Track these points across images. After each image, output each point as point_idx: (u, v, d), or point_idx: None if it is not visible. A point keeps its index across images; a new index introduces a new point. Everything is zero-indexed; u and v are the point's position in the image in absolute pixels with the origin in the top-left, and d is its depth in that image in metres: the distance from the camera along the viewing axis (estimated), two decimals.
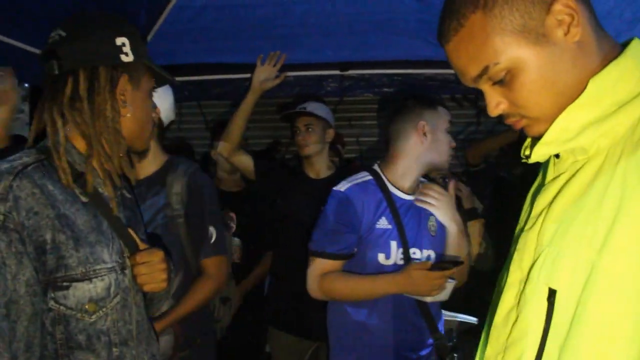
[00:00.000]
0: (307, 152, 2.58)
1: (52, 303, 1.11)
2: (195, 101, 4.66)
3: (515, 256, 0.91)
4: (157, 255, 1.27)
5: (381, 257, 1.89)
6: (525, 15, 0.79)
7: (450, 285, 1.82)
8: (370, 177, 1.97)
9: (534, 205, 0.90)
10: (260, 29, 2.62)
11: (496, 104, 0.86)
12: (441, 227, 1.99)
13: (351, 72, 2.89)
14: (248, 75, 2.76)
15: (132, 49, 1.22)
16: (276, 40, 2.69)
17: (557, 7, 0.78)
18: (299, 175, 2.67)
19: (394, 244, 1.89)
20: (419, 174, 1.99)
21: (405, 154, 1.96)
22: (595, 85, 0.79)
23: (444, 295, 1.83)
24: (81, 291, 1.12)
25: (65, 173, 1.15)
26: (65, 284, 1.11)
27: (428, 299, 1.82)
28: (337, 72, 2.89)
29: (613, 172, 0.76)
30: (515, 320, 0.87)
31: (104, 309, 1.16)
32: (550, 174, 0.89)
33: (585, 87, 0.80)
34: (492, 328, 0.93)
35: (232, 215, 2.84)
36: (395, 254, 1.90)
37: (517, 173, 3.02)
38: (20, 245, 1.06)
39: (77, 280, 1.12)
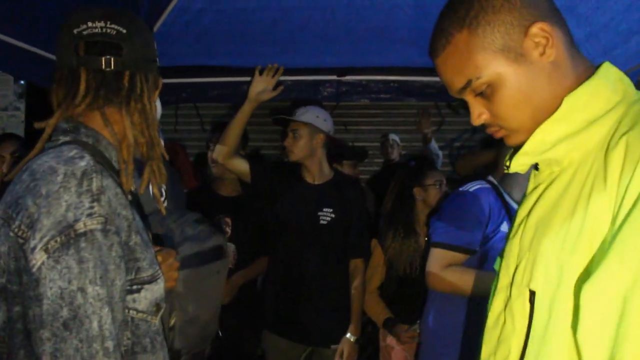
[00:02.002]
0: (293, 157, 2.60)
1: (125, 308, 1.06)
2: (192, 103, 4.66)
3: (503, 263, 1.00)
4: (173, 255, 1.29)
5: None
6: (505, 36, 0.89)
7: None
8: (489, 185, 2.04)
9: (517, 214, 1.00)
10: (258, 34, 2.63)
11: (478, 114, 0.94)
12: None
13: (348, 77, 2.90)
14: (245, 79, 2.77)
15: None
16: (274, 44, 2.70)
17: (534, 30, 0.88)
18: (296, 180, 2.68)
19: None
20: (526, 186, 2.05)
21: None
22: (569, 102, 0.88)
23: None
24: (151, 293, 1.09)
25: (128, 176, 1.10)
26: (135, 287, 1.06)
27: None
28: (334, 77, 2.90)
29: (583, 181, 0.84)
30: (504, 322, 0.95)
31: (162, 310, 1.14)
32: (531, 185, 0.98)
33: (560, 103, 0.89)
34: (485, 330, 1.02)
35: (228, 220, 2.85)
36: None
37: None
38: (119, 249, 1.01)
39: (148, 282, 1.08)
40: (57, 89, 1.13)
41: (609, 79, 0.89)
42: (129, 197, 1.13)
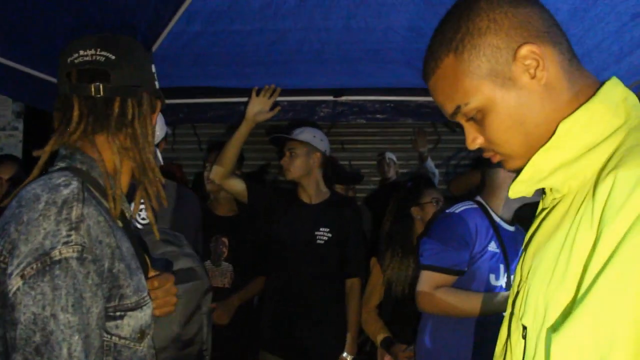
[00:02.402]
0: (290, 176, 2.62)
1: (103, 334, 1.06)
2: (189, 123, 4.69)
3: (512, 289, 0.96)
4: (171, 280, 1.29)
5: (492, 278, 1.99)
6: (492, 60, 0.84)
7: None
8: (476, 206, 2.09)
9: (525, 238, 0.95)
10: (255, 56, 2.66)
11: (472, 139, 0.91)
12: None
13: (344, 98, 2.93)
14: (242, 99, 2.79)
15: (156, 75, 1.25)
16: (271, 66, 2.72)
17: (522, 52, 0.83)
18: (292, 200, 2.69)
19: (502, 267, 2.01)
20: (515, 205, 2.08)
21: (506, 186, 2.04)
22: (565, 128, 0.83)
23: None
24: (135, 320, 1.09)
25: (117, 202, 1.11)
26: (118, 313, 1.07)
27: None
28: (330, 98, 2.92)
29: (575, 215, 0.78)
30: (505, 353, 0.92)
31: (148, 336, 1.14)
32: (539, 208, 0.94)
33: (555, 128, 0.84)
34: (493, 358, 1.00)
35: (224, 240, 2.85)
36: (503, 276, 2.00)
37: None
38: (96, 277, 1.01)
39: (132, 309, 1.08)
40: (56, 116, 1.16)
41: (611, 100, 0.83)
42: (119, 223, 1.13)
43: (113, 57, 1.13)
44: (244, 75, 2.75)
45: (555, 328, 0.74)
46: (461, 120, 0.91)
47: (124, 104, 1.14)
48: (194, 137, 5.22)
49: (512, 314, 0.90)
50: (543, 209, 0.91)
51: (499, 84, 0.85)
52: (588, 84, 0.87)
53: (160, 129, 2.15)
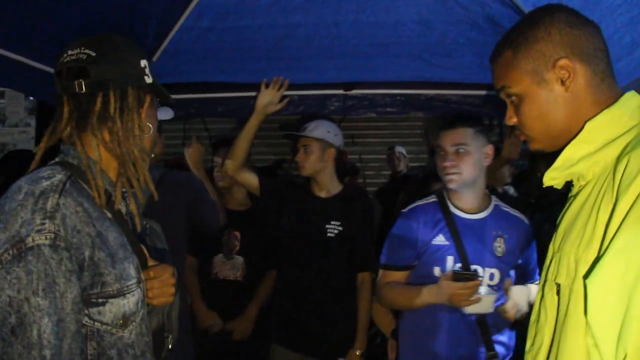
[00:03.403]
0: (305, 172, 2.63)
1: (85, 319, 1.12)
2: (200, 118, 4.71)
3: (545, 263, 1.16)
4: (168, 271, 1.32)
5: (437, 271, 2.01)
6: (536, 63, 1.08)
7: (487, 297, 1.88)
8: (435, 199, 2.13)
9: (556, 224, 1.15)
10: (265, 50, 2.66)
11: (509, 117, 1.16)
12: (512, 251, 2.05)
13: (355, 92, 2.93)
14: (252, 94, 2.80)
15: (150, 70, 1.29)
16: (281, 61, 2.73)
17: (560, 64, 1.06)
18: (304, 193, 2.70)
19: (450, 259, 2.02)
20: (479, 194, 2.08)
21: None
22: (591, 126, 1.05)
23: (482, 308, 1.90)
24: (117, 307, 1.14)
25: (100, 193, 1.17)
26: (100, 300, 1.12)
27: (468, 310, 1.91)
28: (340, 92, 2.93)
29: (599, 191, 0.99)
30: (539, 316, 1.11)
31: (133, 323, 1.19)
32: (570, 197, 1.15)
33: (576, 127, 1.07)
34: (529, 326, 1.17)
35: (237, 234, 2.86)
36: (452, 268, 2.00)
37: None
38: (70, 263, 1.06)
39: (113, 297, 1.13)
40: (55, 114, 1.23)
41: (628, 106, 1.05)
42: (108, 214, 1.19)
43: (94, 54, 1.19)
44: (254, 70, 2.76)
45: (586, 276, 0.93)
46: (504, 97, 1.16)
47: (105, 98, 1.20)
48: (204, 132, 5.24)
49: (545, 280, 1.10)
50: (570, 197, 1.11)
51: (536, 82, 1.08)
52: (611, 96, 1.07)
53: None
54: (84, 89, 1.18)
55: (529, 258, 2.14)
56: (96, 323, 1.12)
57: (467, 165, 2.00)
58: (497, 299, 1.93)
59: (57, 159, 1.21)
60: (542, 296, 1.11)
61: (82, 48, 1.20)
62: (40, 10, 2.04)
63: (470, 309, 1.90)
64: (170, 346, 1.47)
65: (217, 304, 2.86)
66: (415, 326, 2.10)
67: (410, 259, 2.10)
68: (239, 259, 2.84)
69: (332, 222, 2.61)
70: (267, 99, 2.59)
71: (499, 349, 2.02)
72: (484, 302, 1.88)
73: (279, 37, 2.57)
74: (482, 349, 2.00)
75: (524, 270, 2.15)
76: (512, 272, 2.10)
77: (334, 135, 2.64)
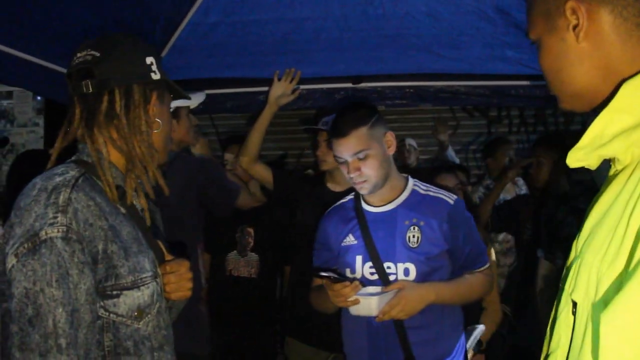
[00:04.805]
0: (326, 167, 2.64)
1: (101, 311, 1.15)
2: (208, 114, 4.71)
3: (566, 266, 0.92)
4: (185, 266, 1.34)
5: (347, 272, 1.94)
6: (548, 3, 0.87)
7: (367, 300, 1.75)
8: (351, 197, 2.06)
9: (585, 213, 0.89)
10: (273, 45, 2.66)
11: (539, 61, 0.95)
12: (431, 238, 1.88)
13: (363, 84, 2.91)
14: (260, 89, 2.80)
15: (157, 67, 1.31)
16: (289, 55, 2.72)
17: (567, 6, 0.83)
18: (317, 187, 2.70)
19: (359, 259, 1.92)
20: (392, 184, 1.95)
21: None
22: (628, 89, 0.77)
23: (364, 310, 1.77)
24: (131, 299, 1.17)
25: (111, 188, 1.20)
26: (115, 292, 1.15)
27: (352, 312, 1.80)
28: (349, 85, 2.91)
29: (633, 189, 0.72)
30: (553, 331, 0.89)
31: (149, 316, 1.21)
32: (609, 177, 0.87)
33: (612, 87, 0.80)
34: (545, 337, 0.95)
35: (250, 230, 2.87)
36: (361, 268, 1.91)
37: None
38: (82, 255, 1.10)
39: (127, 289, 1.17)
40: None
41: None
42: (122, 209, 1.23)
43: (98, 55, 1.24)
44: (262, 65, 2.75)
45: (605, 302, 0.69)
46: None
47: (111, 97, 1.23)
48: (212, 128, 5.25)
49: (562, 290, 0.86)
50: (606, 183, 0.85)
51: (548, 29, 0.88)
52: None
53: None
54: (90, 89, 1.22)
55: (458, 241, 1.90)
56: (112, 315, 1.15)
57: (372, 169, 1.86)
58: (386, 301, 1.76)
59: (73, 158, 1.25)
60: (557, 310, 0.88)
61: (88, 50, 1.25)
62: (49, 9, 2.04)
63: (353, 311, 1.79)
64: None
65: (232, 302, 2.86)
66: (346, 330, 2.04)
67: (329, 262, 2.00)
68: (254, 256, 2.85)
69: None
70: (280, 91, 2.62)
71: (424, 350, 1.87)
72: (364, 304, 1.75)
73: (286, 31, 2.56)
74: (401, 353, 1.86)
75: (458, 257, 1.92)
76: (445, 262, 1.91)
77: None
